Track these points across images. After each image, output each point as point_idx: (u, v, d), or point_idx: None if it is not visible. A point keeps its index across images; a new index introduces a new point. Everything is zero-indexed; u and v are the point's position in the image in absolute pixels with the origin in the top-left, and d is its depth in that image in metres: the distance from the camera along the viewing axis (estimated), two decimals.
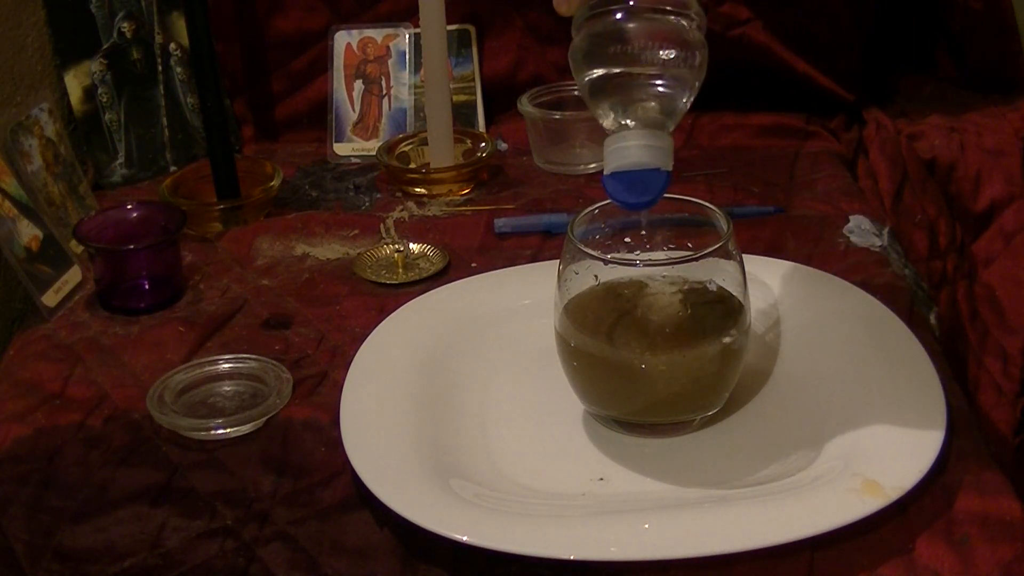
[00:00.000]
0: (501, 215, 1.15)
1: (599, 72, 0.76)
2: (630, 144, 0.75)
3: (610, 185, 0.76)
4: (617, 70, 0.76)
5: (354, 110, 1.31)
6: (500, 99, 1.32)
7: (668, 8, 0.76)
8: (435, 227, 1.15)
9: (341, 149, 1.30)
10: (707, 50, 0.76)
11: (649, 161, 0.75)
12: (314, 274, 1.08)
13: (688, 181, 1.19)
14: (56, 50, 1.23)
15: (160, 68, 1.28)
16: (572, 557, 0.73)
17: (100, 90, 1.25)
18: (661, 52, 0.75)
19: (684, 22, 0.76)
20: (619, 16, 0.75)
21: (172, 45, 1.28)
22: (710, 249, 0.81)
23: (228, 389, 0.93)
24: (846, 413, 0.84)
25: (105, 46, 1.25)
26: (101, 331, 1.01)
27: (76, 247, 1.08)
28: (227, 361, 0.95)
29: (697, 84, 0.76)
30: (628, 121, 0.76)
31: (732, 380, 0.85)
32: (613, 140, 0.76)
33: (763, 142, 1.28)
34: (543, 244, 1.11)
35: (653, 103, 0.76)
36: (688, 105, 0.77)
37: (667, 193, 0.77)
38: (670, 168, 0.75)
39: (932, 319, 1.02)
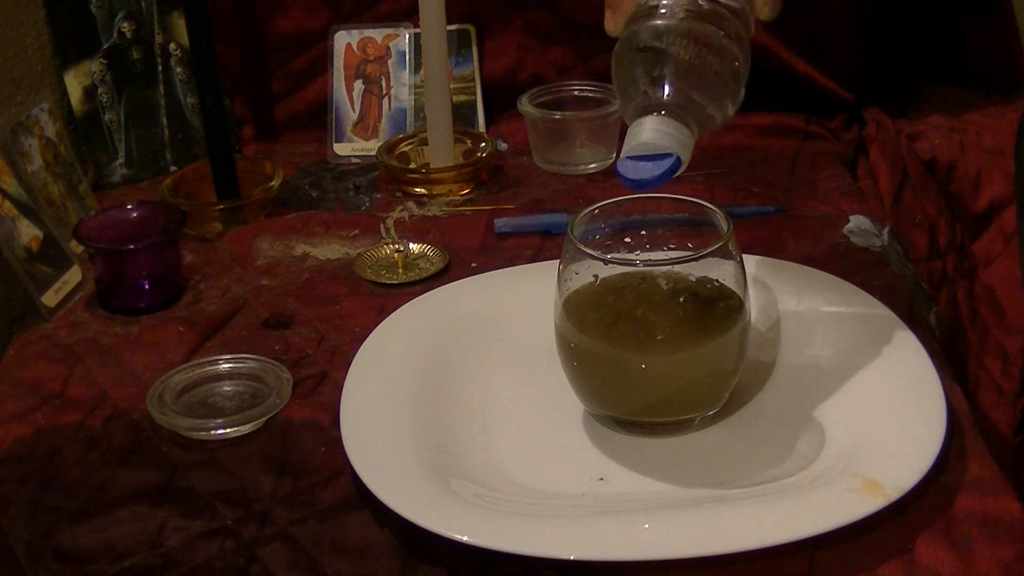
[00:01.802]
0: (501, 215, 1.15)
1: (635, 62, 0.77)
2: (645, 128, 0.75)
3: (622, 166, 0.76)
4: (650, 64, 0.76)
5: (354, 110, 1.31)
6: (500, 99, 1.32)
7: (709, 21, 0.76)
8: (435, 227, 1.14)
9: (341, 149, 1.30)
10: (744, 66, 0.76)
11: (660, 144, 0.75)
12: (314, 274, 1.08)
13: (688, 181, 1.18)
14: (56, 50, 1.23)
15: (160, 68, 1.28)
16: (572, 557, 0.73)
17: (100, 90, 1.25)
18: (695, 52, 0.75)
19: (723, 32, 0.76)
20: (659, 24, 0.76)
21: (172, 45, 1.28)
22: (710, 249, 0.81)
23: (228, 389, 0.93)
24: (846, 413, 0.84)
25: (105, 46, 1.25)
26: (101, 331, 1.01)
27: (76, 247, 1.08)
28: (227, 361, 0.95)
29: (731, 99, 0.77)
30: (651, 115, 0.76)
31: (732, 380, 0.85)
32: (633, 126, 0.76)
33: (763, 142, 1.28)
34: (543, 244, 1.11)
35: (679, 98, 0.76)
36: (722, 118, 0.77)
37: (668, 193, 0.76)
38: (685, 158, 0.75)
39: (932, 319, 1.02)
